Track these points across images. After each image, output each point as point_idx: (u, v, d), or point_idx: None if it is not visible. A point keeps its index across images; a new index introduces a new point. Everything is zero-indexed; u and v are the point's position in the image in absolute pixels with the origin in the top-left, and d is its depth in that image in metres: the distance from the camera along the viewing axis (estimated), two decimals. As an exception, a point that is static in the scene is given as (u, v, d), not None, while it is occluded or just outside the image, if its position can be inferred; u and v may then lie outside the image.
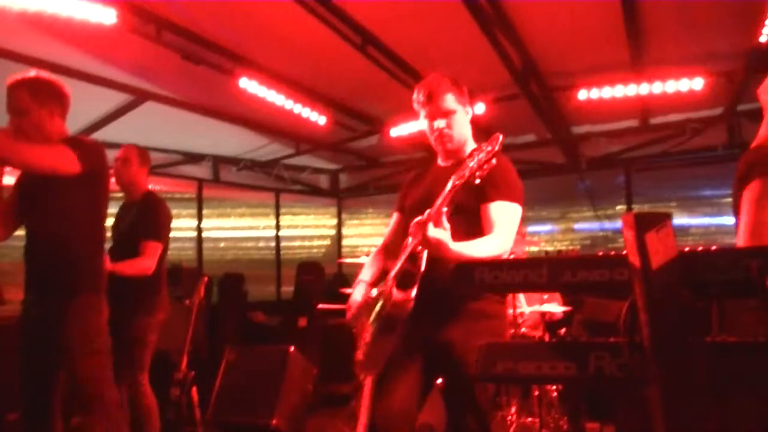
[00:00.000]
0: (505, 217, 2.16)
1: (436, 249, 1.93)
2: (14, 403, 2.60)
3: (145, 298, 3.51)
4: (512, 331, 4.07)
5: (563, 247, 7.31)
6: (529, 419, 4.09)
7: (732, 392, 1.06)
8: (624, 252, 1.07)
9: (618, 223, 6.59)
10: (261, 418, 4.13)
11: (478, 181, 1.93)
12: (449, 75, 2.36)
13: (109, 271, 3.19)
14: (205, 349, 5.58)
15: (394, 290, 2.10)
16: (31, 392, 2.49)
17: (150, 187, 3.82)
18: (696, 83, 4.73)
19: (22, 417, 2.54)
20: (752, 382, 1.05)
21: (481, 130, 6.26)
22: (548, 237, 7.39)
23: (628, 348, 1.09)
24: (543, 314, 4.24)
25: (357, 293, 2.34)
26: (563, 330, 4.49)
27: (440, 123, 2.28)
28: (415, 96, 2.34)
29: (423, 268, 2.06)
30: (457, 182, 1.94)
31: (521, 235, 4.72)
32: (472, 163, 1.93)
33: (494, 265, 1.24)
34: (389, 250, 2.46)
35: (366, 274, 2.42)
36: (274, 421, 4.11)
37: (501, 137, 1.95)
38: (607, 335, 1.17)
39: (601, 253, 1.13)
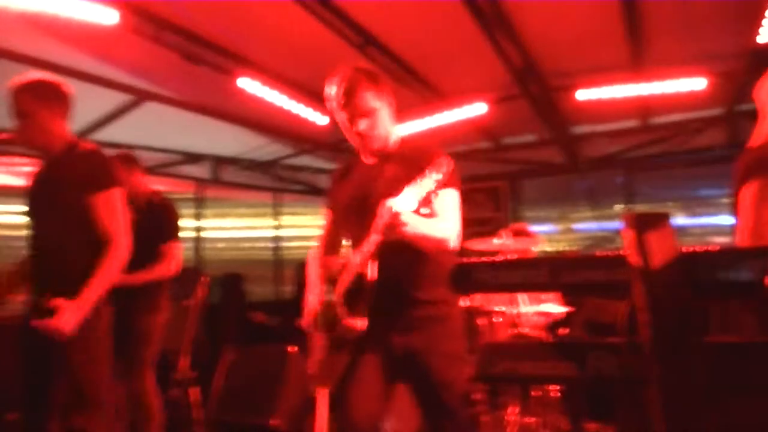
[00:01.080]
0: (449, 204, 2.11)
1: (393, 222, 1.86)
2: (14, 403, 2.60)
3: (152, 297, 3.50)
4: (512, 331, 4.07)
5: (563, 247, 7.30)
6: (530, 419, 4.09)
7: (732, 392, 1.06)
8: (624, 252, 1.07)
9: (618, 223, 6.59)
10: (261, 418, 4.13)
11: (427, 211, 1.91)
12: (362, 66, 2.24)
13: (131, 284, 3.19)
14: (205, 349, 5.58)
15: (342, 311, 2.07)
16: (31, 394, 2.50)
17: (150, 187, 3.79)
18: (696, 83, 4.74)
19: (22, 418, 2.54)
20: (752, 382, 1.05)
21: (481, 130, 6.29)
22: (548, 237, 7.39)
23: (628, 348, 1.09)
24: (543, 314, 4.24)
25: (314, 298, 2.29)
26: (563, 330, 4.49)
27: (362, 124, 2.14)
28: (328, 92, 2.18)
29: (371, 285, 2.02)
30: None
31: (531, 236, 4.72)
32: (418, 190, 1.85)
33: (494, 265, 1.25)
34: (327, 247, 2.45)
35: (315, 277, 2.35)
36: (274, 421, 4.11)
37: (446, 164, 1.86)
38: (607, 335, 1.17)
39: (601, 253, 1.13)
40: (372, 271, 2.02)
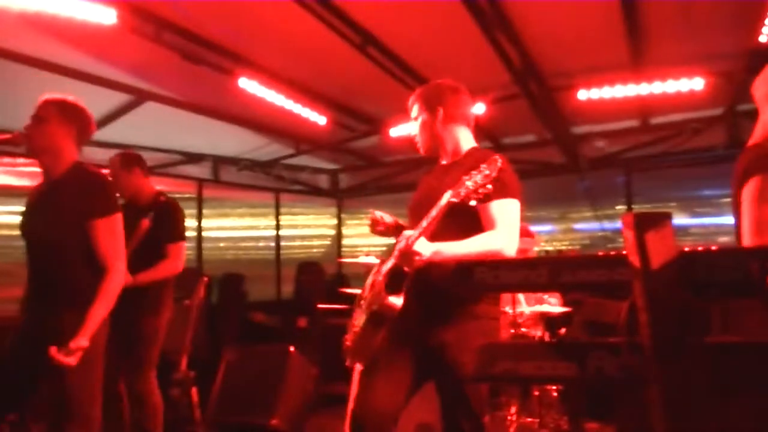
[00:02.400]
0: (505, 214, 2.18)
1: (410, 256, 2.03)
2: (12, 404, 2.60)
3: (157, 298, 3.55)
4: (512, 331, 4.07)
5: (563, 247, 7.30)
6: (529, 419, 4.09)
7: (733, 393, 1.06)
8: (624, 252, 1.07)
9: (618, 223, 6.59)
10: (261, 418, 4.13)
11: (473, 203, 2.01)
12: (448, 78, 2.50)
13: (138, 283, 3.29)
14: (205, 349, 5.58)
15: (384, 288, 2.13)
16: (11, 397, 2.50)
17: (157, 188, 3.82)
18: (696, 83, 4.74)
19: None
20: (752, 382, 1.05)
21: (482, 130, 6.28)
22: (548, 237, 7.39)
23: (628, 348, 1.09)
24: (543, 314, 4.24)
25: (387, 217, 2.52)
26: (563, 330, 4.49)
27: (413, 125, 2.49)
28: None
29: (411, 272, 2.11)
30: (452, 200, 2.02)
31: (531, 236, 4.72)
32: (469, 183, 2.00)
33: (494, 265, 1.24)
34: None
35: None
36: (274, 421, 4.11)
37: (500, 162, 2.03)
38: (607, 335, 1.17)
39: (601, 253, 1.13)
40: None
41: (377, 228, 2.53)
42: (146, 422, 3.45)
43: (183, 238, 3.67)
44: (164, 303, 3.60)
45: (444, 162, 2.45)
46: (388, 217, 2.53)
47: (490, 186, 1.99)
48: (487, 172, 2.00)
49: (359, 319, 2.28)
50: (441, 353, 2.15)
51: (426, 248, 2.03)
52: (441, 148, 2.44)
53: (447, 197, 2.03)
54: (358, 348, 2.25)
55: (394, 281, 2.14)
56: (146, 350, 3.48)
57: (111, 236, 2.48)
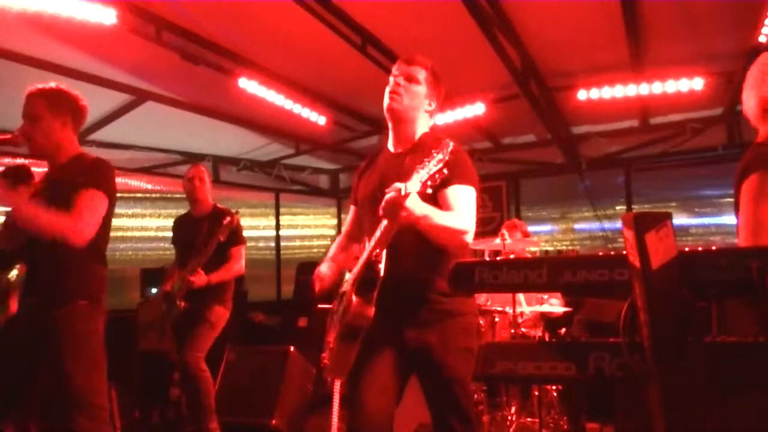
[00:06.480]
0: (464, 200, 2.11)
1: (399, 207, 1.85)
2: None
3: (225, 290, 3.97)
4: (512, 331, 4.07)
5: (563, 247, 7.30)
6: (529, 419, 4.09)
7: (732, 392, 1.06)
8: (624, 252, 1.07)
9: (618, 223, 6.58)
10: (261, 418, 4.13)
11: (429, 191, 1.86)
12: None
13: (212, 282, 3.78)
14: (205, 349, 5.55)
15: (354, 298, 2.04)
16: (12, 393, 2.50)
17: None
18: (696, 83, 4.74)
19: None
20: (752, 382, 1.05)
21: (481, 130, 6.29)
22: (548, 237, 7.38)
23: (628, 348, 1.09)
24: (543, 314, 4.24)
25: (323, 268, 2.43)
26: (563, 330, 4.49)
27: (400, 79, 2.28)
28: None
29: (382, 273, 2.01)
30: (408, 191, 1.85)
31: (524, 234, 4.72)
32: (423, 172, 1.83)
33: (494, 265, 1.25)
34: (352, 237, 2.51)
35: (332, 253, 2.49)
36: (274, 421, 4.11)
37: (451, 144, 1.86)
38: (607, 335, 1.17)
39: (601, 253, 1.13)
40: (383, 260, 2.01)
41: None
42: (204, 399, 3.75)
43: (243, 241, 4.07)
44: (228, 296, 3.97)
45: (393, 150, 2.32)
46: (325, 268, 2.43)
47: (446, 171, 1.83)
48: (441, 156, 1.83)
49: (332, 334, 2.22)
50: (425, 356, 2.10)
51: (417, 207, 1.88)
52: (406, 129, 2.29)
53: (403, 188, 1.85)
54: (336, 365, 2.16)
55: (363, 289, 2.04)
56: (203, 333, 3.79)
57: (91, 204, 2.41)
